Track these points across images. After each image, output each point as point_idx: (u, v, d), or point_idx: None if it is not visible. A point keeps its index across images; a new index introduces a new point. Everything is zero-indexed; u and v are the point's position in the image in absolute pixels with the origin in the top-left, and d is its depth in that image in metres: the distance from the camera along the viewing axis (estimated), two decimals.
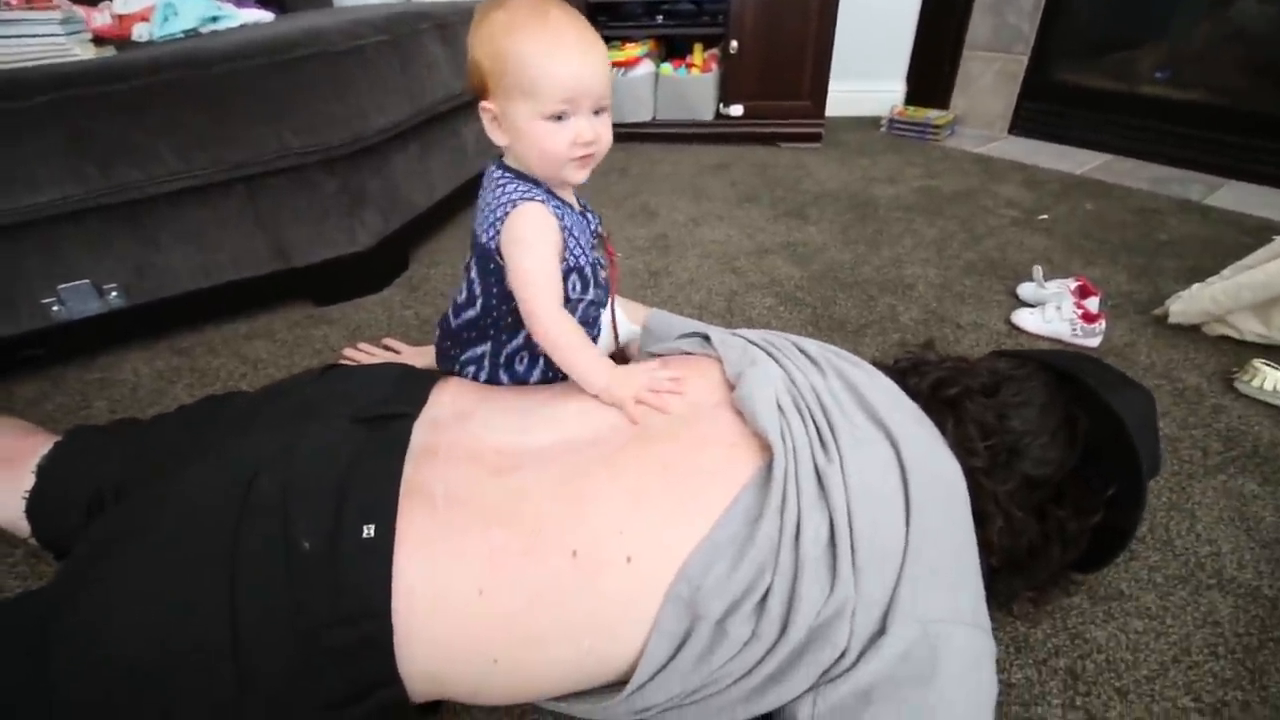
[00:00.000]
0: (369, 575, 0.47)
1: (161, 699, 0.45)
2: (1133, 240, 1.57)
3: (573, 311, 0.67)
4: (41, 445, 0.71)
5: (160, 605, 0.46)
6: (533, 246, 0.62)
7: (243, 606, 0.45)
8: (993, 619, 0.52)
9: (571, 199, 0.68)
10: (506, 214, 0.62)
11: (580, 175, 0.64)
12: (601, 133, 0.62)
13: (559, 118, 0.60)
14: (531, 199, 0.62)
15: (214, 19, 1.42)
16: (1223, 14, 1.93)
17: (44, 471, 0.68)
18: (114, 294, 1.11)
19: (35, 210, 0.98)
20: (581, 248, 0.66)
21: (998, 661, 0.54)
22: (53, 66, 1.03)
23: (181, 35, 1.35)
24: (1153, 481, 0.63)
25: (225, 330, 1.27)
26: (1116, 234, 1.60)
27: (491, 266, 0.65)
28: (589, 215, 0.71)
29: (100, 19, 1.36)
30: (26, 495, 0.67)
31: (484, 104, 0.63)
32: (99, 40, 1.25)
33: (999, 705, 0.59)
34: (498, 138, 0.64)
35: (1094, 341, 1.18)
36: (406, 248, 1.52)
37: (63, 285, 1.06)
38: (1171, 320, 1.21)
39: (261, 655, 0.45)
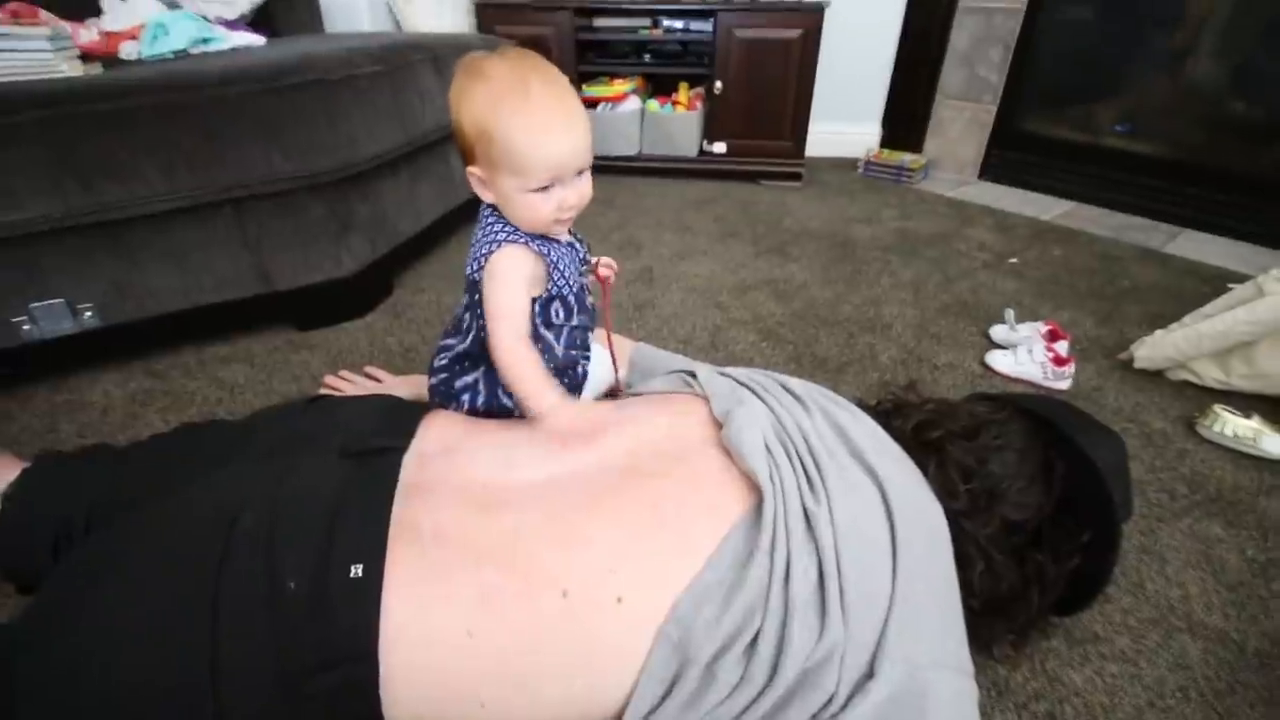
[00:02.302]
0: (356, 616, 0.46)
1: None
2: (1098, 286, 1.64)
3: (558, 335, 0.72)
4: (7, 472, 0.68)
5: (137, 644, 0.45)
6: (505, 284, 0.66)
7: (224, 647, 0.44)
8: (973, 662, 0.53)
9: (560, 234, 0.72)
10: (490, 252, 0.66)
11: (563, 230, 0.69)
12: (585, 191, 0.67)
13: (545, 188, 0.63)
14: (514, 241, 0.66)
15: (205, 40, 1.42)
16: (1179, 72, 2.05)
17: (9, 500, 0.66)
18: (89, 314, 1.08)
19: (14, 227, 0.96)
20: (566, 278, 0.70)
21: (979, 705, 0.54)
22: (39, 83, 1.02)
23: (171, 56, 1.35)
24: (1125, 525, 0.65)
25: (203, 352, 1.24)
26: (1083, 279, 1.67)
27: (477, 298, 0.69)
28: (577, 245, 0.74)
29: (87, 35, 1.35)
30: None
31: (471, 169, 0.66)
32: (86, 57, 1.24)
33: None
34: (486, 198, 0.68)
35: (1064, 384, 1.22)
36: (391, 274, 1.51)
37: (35, 304, 1.04)
38: (1136, 365, 1.25)
39: (242, 698, 0.43)
